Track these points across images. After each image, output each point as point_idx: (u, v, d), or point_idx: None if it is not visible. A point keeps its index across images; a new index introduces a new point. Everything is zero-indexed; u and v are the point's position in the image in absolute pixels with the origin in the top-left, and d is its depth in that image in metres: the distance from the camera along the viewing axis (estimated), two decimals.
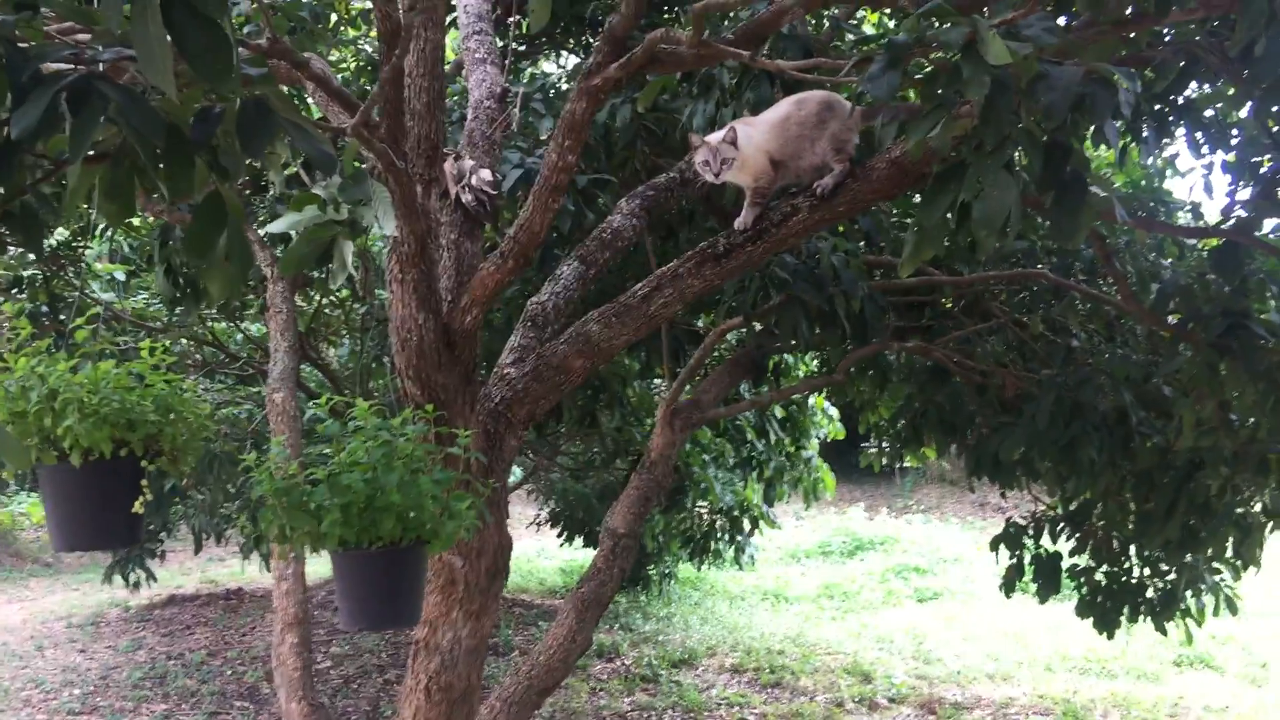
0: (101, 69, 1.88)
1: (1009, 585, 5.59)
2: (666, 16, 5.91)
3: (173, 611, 10.64)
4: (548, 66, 6.96)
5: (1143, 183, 5.47)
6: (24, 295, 6.71)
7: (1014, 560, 5.56)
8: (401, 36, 2.34)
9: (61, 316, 6.76)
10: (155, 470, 2.66)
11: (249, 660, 8.75)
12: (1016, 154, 2.29)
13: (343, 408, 2.99)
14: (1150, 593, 5.32)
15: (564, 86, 5.68)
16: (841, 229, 4.84)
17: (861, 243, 5.12)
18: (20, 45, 1.87)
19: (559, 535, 10.55)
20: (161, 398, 2.66)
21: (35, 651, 9.21)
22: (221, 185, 2.08)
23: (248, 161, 2.12)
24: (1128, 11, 2.97)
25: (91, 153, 1.98)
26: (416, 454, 2.78)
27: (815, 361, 7.97)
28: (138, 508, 2.60)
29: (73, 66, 1.90)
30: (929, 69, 2.37)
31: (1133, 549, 5.33)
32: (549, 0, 1.96)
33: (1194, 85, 3.93)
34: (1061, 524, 5.50)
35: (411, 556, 2.80)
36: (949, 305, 5.52)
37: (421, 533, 2.76)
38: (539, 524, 11.25)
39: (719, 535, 9.56)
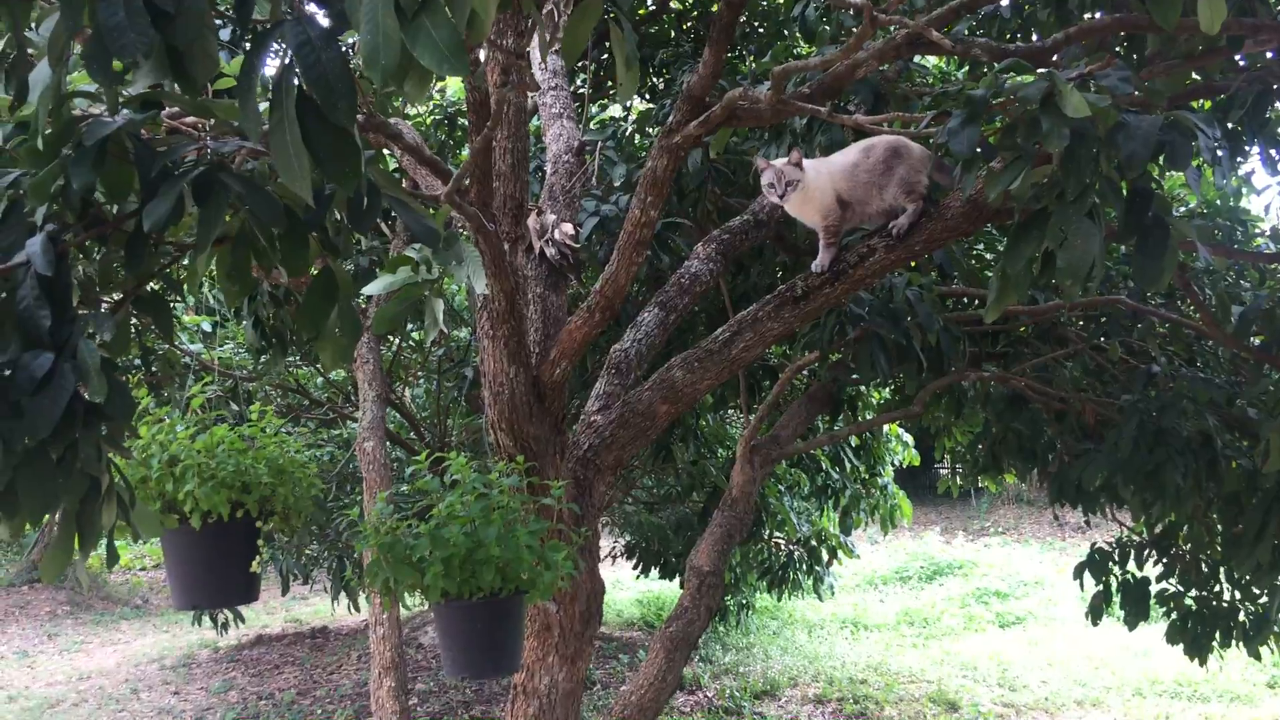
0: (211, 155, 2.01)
1: (1096, 613, 5.52)
2: (731, 56, 6.01)
3: (260, 651, 10.85)
4: (615, 110, 7.07)
5: (1218, 203, 5.43)
6: None
7: (1100, 587, 5.50)
8: (493, 110, 2.44)
9: (154, 369, 6.99)
10: (269, 529, 2.78)
11: (337, 699, 8.91)
12: (1097, 201, 2.32)
13: (439, 460, 3.09)
14: (1242, 616, 5.24)
15: (629, 130, 5.79)
16: (915, 264, 4.88)
17: (934, 273, 5.15)
18: (146, 140, 2.01)
19: (635, 567, 10.61)
20: (273, 460, 2.78)
21: (131, 694, 9.45)
22: (333, 262, 2.19)
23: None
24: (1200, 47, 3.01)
25: None
26: (512, 506, 2.88)
27: (889, 390, 7.97)
28: (255, 567, 2.72)
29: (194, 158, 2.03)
30: (1006, 120, 2.42)
31: (1222, 572, 5.26)
32: (637, 74, 2.05)
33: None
34: (1147, 549, 5.45)
35: (511, 606, 2.88)
36: (1025, 332, 5.51)
37: (520, 583, 2.85)
38: (614, 556, 11.32)
39: (797, 566, 9.55)
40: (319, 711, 8.65)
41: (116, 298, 2.15)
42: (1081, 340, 5.23)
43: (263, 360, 7.25)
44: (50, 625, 12.63)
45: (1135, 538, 5.56)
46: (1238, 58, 3.54)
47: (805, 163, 3.32)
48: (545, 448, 3.41)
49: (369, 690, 4.78)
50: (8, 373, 1.72)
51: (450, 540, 2.73)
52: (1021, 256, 2.36)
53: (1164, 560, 5.42)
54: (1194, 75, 3.56)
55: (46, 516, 1.89)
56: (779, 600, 10.75)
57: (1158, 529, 5.36)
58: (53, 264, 1.80)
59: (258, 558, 2.72)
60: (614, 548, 11.21)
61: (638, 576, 10.74)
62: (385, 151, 5.12)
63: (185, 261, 2.36)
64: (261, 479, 2.70)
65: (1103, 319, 5.26)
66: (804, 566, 9.62)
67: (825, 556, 9.62)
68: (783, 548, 9.64)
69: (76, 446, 1.86)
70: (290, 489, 2.80)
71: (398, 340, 8.03)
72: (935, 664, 10.03)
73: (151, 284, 2.19)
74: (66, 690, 9.66)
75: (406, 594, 2.91)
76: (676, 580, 9.87)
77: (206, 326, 7.59)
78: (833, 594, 10.46)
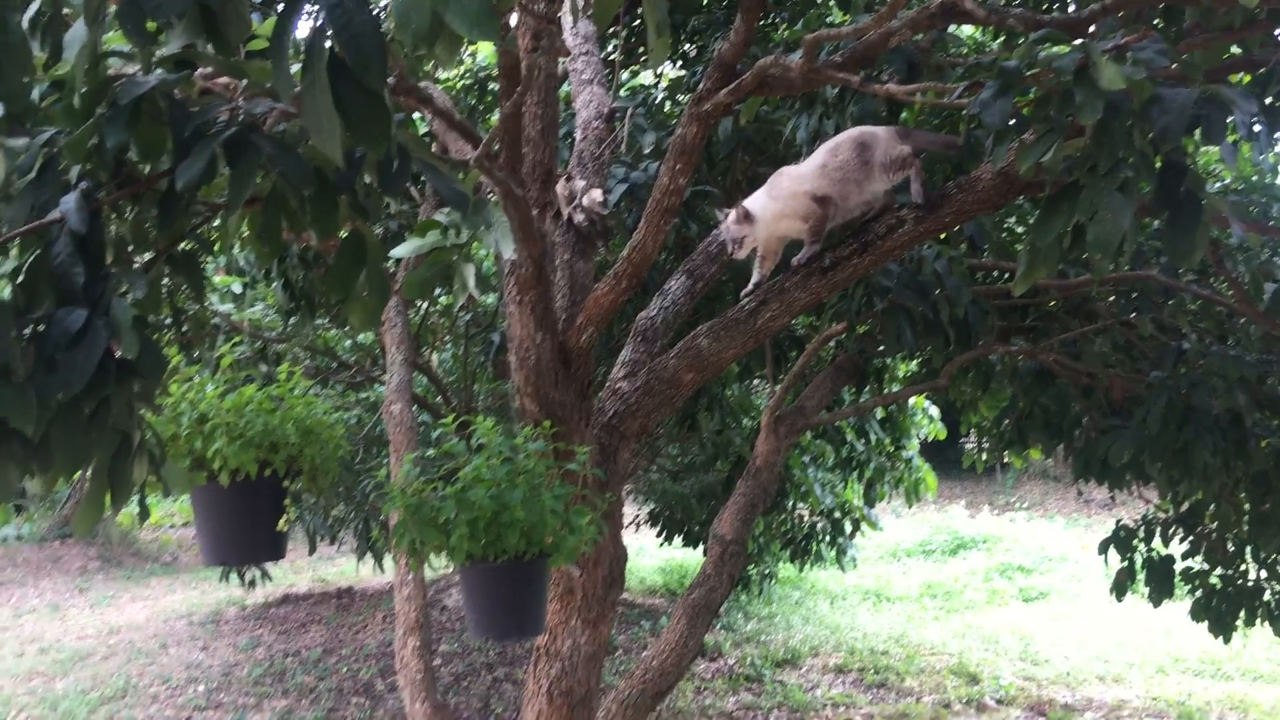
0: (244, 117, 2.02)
1: (1120, 590, 5.51)
2: (764, 24, 5.96)
3: (287, 610, 11.00)
4: (646, 77, 7.04)
5: (1255, 178, 5.36)
6: None
7: (1125, 564, 5.49)
8: (523, 75, 2.44)
9: (184, 328, 7.06)
10: (296, 488, 2.82)
11: (363, 658, 9.03)
12: (1130, 174, 2.30)
13: (465, 424, 3.11)
14: (1267, 595, 5.22)
15: (660, 97, 5.77)
16: (944, 236, 4.84)
17: (964, 245, 5.11)
18: (180, 101, 2.02)
19: (658, 535, 10.66)
20: (300, 420, 2.81)
21: (160, 649, 9.61)
22: (362, 225, 2.21)
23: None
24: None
25: None
26: (538, 470, 2.89)
27: (916, 362, 7.93)
28: (282, 525, 2.75)
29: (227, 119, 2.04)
30: (1040, 92, 2.40)
31: (1248, 551, 5.23)
32: (668, 42, 2.04)
33: None
34: (1173, 526, 5.43)
35: (535, 569, 2.91)
36: (1054, 306, 5.47)
37: (544, 547, 2.87)
38: (638, 523, 11.38)
39: (820, 537, 9.57)
40: (344, 669, 8.77)
41: (149, 257, 2.18)
42: (1111, 316, 5.18)
43: (292, 322, 7.31)
44: (81, 580, 12.84)
45: (1161, 515, 5.54)
46: (1277, 32, 3.48)
47: (756, 199, 3.40)
48: (570, 413, 3.42)
49: (394, 650, 4.84)
50: (42, 328, 1.75)
51: (476, 503, 2.75)
52: (1051, 230, 2.34)
53: (1190, 538, 5.40)
54: (1233, 49, 3.51)
55: (79, 472, 1.92)
56: (801, 571, 10.78)
57: (1184, 507, 5.34)
58: (86, 221, 1.82)
59: (285, 516, 2.76)
60: (638, 515, 11.27)
61: (661, 544, 10.79)
62: (415, 115, 5.12)
63: (216, 222, 2.39)
64: (289, 439, 2.73)
65: (1134, 294, 5.21)
66: (827, 538, 9.63)
67: (848, 528, 9.63)
68: (806, 519, 9.66)
69: (109, 402, 1.88)
70: (317, 449, 2.82)
71: (425, 304, 8.06)
72: (957, 636, 10.05)
73: (183, 244, 2.21)
74: (96, 644, 9.83)
75: (432, 555, 2.94)
76: (699, 548, 9.90)
77: (237, 288, 7.63)
78: (855, 565, 10.49)
